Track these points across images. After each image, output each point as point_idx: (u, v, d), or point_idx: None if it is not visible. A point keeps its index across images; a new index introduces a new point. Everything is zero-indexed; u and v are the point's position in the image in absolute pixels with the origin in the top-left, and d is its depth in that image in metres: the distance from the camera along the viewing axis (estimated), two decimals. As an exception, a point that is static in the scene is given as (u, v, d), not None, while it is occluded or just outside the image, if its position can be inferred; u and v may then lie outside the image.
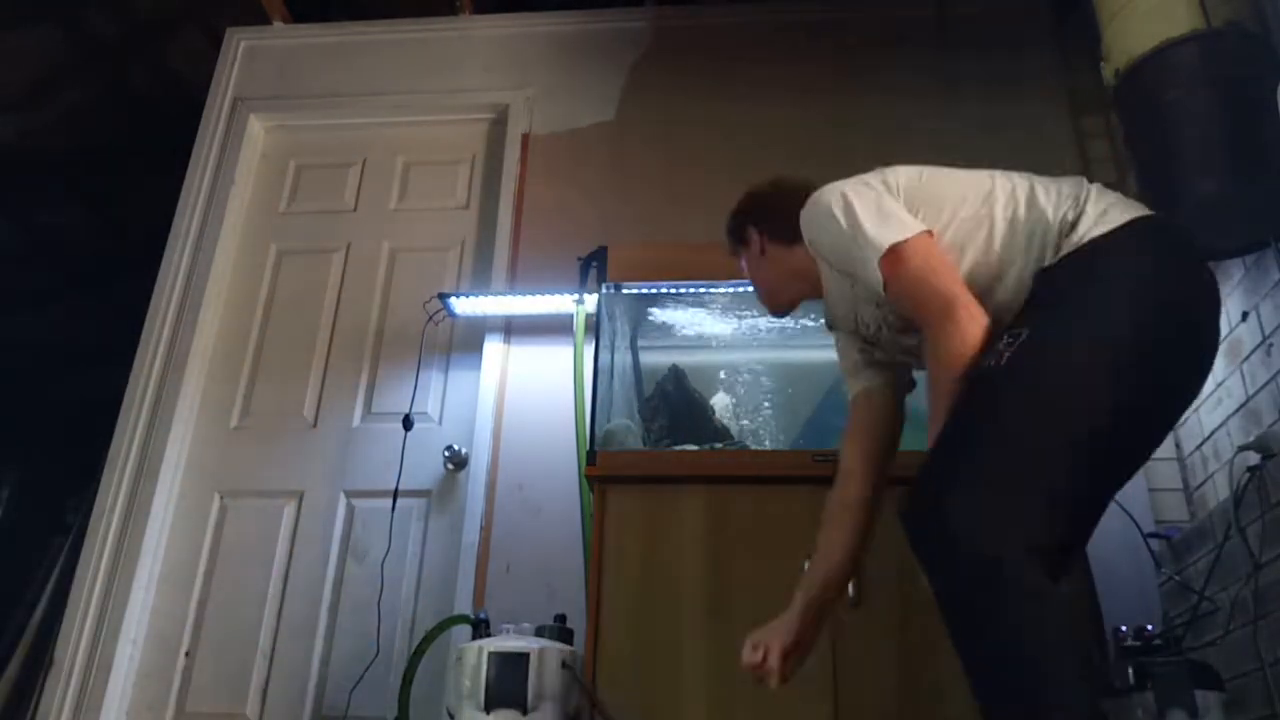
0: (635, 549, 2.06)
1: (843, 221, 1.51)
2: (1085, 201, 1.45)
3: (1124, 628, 1.87)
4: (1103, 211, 1.43)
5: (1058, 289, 1.39)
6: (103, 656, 2.62)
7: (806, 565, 1.64)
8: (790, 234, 1.69)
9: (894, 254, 1.44)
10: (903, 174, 1.57)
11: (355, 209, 3.26)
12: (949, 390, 1.36)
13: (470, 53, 3.41)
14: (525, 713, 1.90)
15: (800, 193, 1.65)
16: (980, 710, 1.20)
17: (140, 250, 3.34)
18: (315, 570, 2.73)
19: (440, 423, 2.88)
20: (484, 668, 1.92)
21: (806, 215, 1.61)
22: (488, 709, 1.90)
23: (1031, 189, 1.49)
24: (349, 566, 2.73)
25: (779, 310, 1.83)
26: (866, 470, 1.68)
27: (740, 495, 2.09)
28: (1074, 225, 1.43)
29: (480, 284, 3.03)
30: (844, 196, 1.53)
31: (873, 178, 1.57)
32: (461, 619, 2.31)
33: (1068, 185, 1.50)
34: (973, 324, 1.38)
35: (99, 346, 4.04)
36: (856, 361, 1.74)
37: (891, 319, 1.60)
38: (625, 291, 2.61)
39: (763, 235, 1.77)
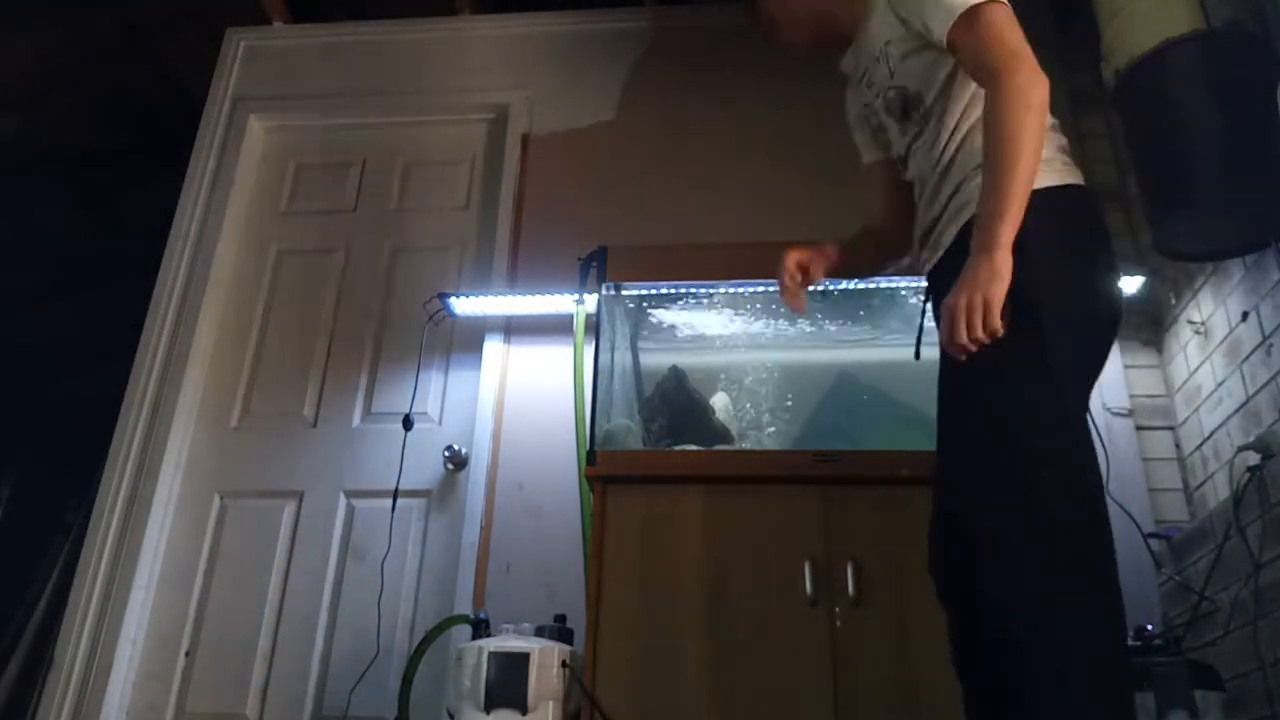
0: (635, 549, 2.06)
1: None
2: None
3: (1124, 628, 1.86)
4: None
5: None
6: (103, 656, 2.62)
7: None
8: None
9: (969, 16, 1.44)
10: None
11: (355, 209, 3.26)
12: (1020, 133, 1.37)
13: (470, 53, 3.41)
14: (525, 713, 1.90)
15: None
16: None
17: (140, 250, 3.34)
18: (315, 570, 2.73)
19: (440, 423, 2.88)
20: (484, 668, 1.92)
21: None
22: (488, 709, 1.90)
23: None
24: (349, 566, 2.73)
25: (800, 45, 1.79)
26: (893, 232, 1.75)
27: (740, 495, 2.08)
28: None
29: (480, 284, 3.03)
30: None
31: None
32: (461, 619, 2.31)
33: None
34: (1036, 84, 1.41)
35: (99, 346, 4.04)
36: (861, 133, 1.79)
37: (893, 94, 1.60)
38: (625, 292, 2.61)
39: None
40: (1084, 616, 1.28)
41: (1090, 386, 1.47)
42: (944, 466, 1.43)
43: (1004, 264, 1.32)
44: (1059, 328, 1.37)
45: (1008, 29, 1.45)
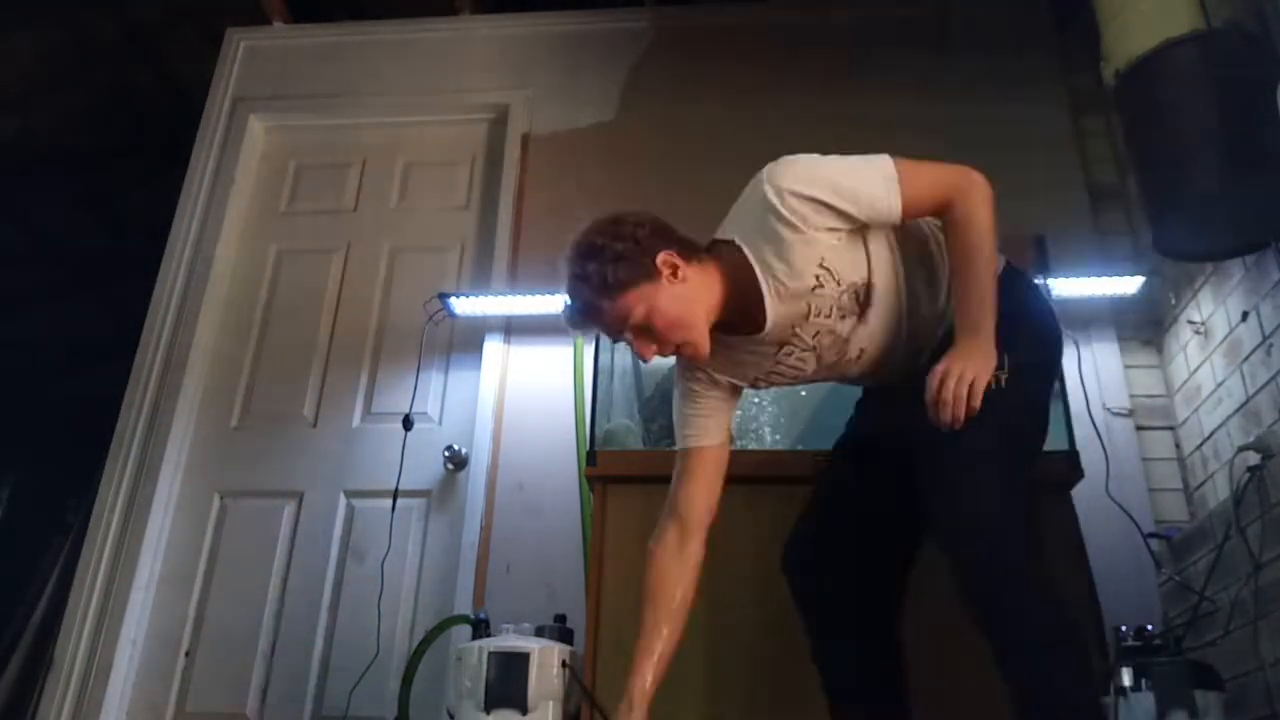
0: (635, 549, 2.05)
1: (832, 171, 1.56)
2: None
3: (1124, 628, 1.86)
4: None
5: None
6: (103, 656, 2.62)
7: (642, 680, 1.63)
8: (699, 250, 1.59)
9: (899, 189, 1.53)
10: None
11: (355, 209, 3.26)
12: (984, 243, 1.52)
13: (470, 53, 3.41)
14: (525, 713, 1.90)
15: (644, 222, 1.62)
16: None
17: (140, 250, 3.34)
18: (315, 570, 2.73)
19: (440, 423, 2.88)
20: (484, 668, 1.92)
21: (783, 184, 1.54)
22: (488, 709, 1.90)
23: None
24: (349, 566, 2.73)
25: (704, 349, 1.58)
26: (707, 524, 1.72)
27: (740, 495, 2.08)
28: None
29: (480, 284, 3.03)
30: (809, 160, 1.61)
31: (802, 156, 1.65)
32: (461, 619, 2.31)
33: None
34: (981, 186, 1.55)
35: (99, 346, 4.04)
36: (715, 416, 1.75)
37: (846, 300, 1.57)
38: (625, 291, 2.60)
39: (679, 252, 1.56)
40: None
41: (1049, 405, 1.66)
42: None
43: (991, 348, 1.48)
44: (1038, 385, 1.61)
45: (918, 170, 1.55)
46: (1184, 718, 1.67)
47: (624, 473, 2.14)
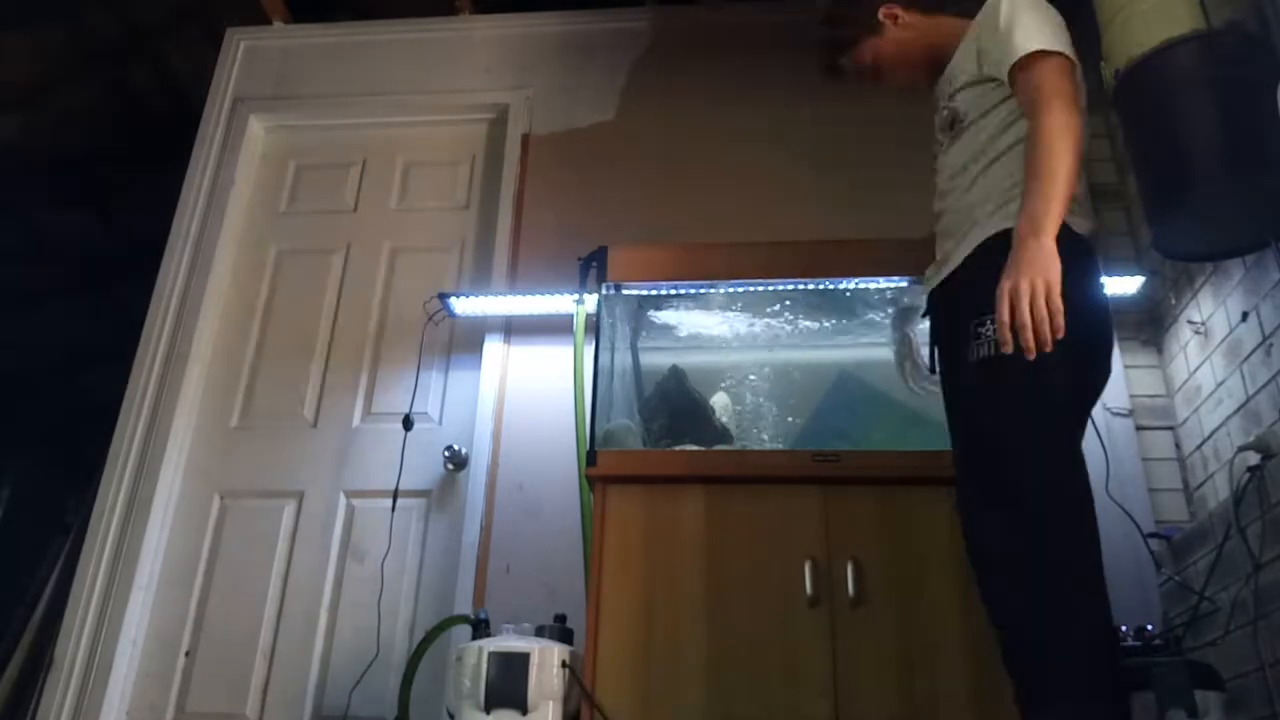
0: (635, 549, 2.06)
1: (1032, 13, 1.64)
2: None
3: (1124, 628, 1.86)
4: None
5: None
6: (103, 656, 2.62)
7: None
8: (930, 4, 1.83)
9: (1030, 59, 1.59)
10: None
11: (355, 209, 3.26)
12: (1060, 150, 1.48)
13: (470, 53, 3.41)
14: (525, 713, 1.90)
15: None
16: None
17: (140, 250, 3.34)
18: (315, 570, 2.73)
19: (440, 423, 2.88)
20: (484, 668, 1.92)
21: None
22: (488, 709, 1.90)
23: None
24: (349, 566, 2.73)
25: (920, 86, 1.87)
26: None
27: (740, 495, 2.08)
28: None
29: (480, 284, 3.03)
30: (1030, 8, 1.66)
31: None
32: (461, 619, 2.31)
33: None
34: (1074, 117, 1.53)
35: (99, 346, 4.04)
36: None
37: (945, 114, 1.74)
38: (625, 292, 2.60)
39: (900, 4, 1.85)
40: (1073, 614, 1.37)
41: (1088, 411, 1.59)
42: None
43: (1053, 249, 1.40)
44: (1063, 359, 1.43)
45: (1059, 77, 1.58)
46: (1184, 718, 1.67)
47: (624, 473, 2.14)
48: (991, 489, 1.43)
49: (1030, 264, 1.38)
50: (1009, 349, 1.36)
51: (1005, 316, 1.37)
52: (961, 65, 1.75)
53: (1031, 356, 1.35)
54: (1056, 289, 1.35)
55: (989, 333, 1.43)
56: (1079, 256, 1.53)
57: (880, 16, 1.86)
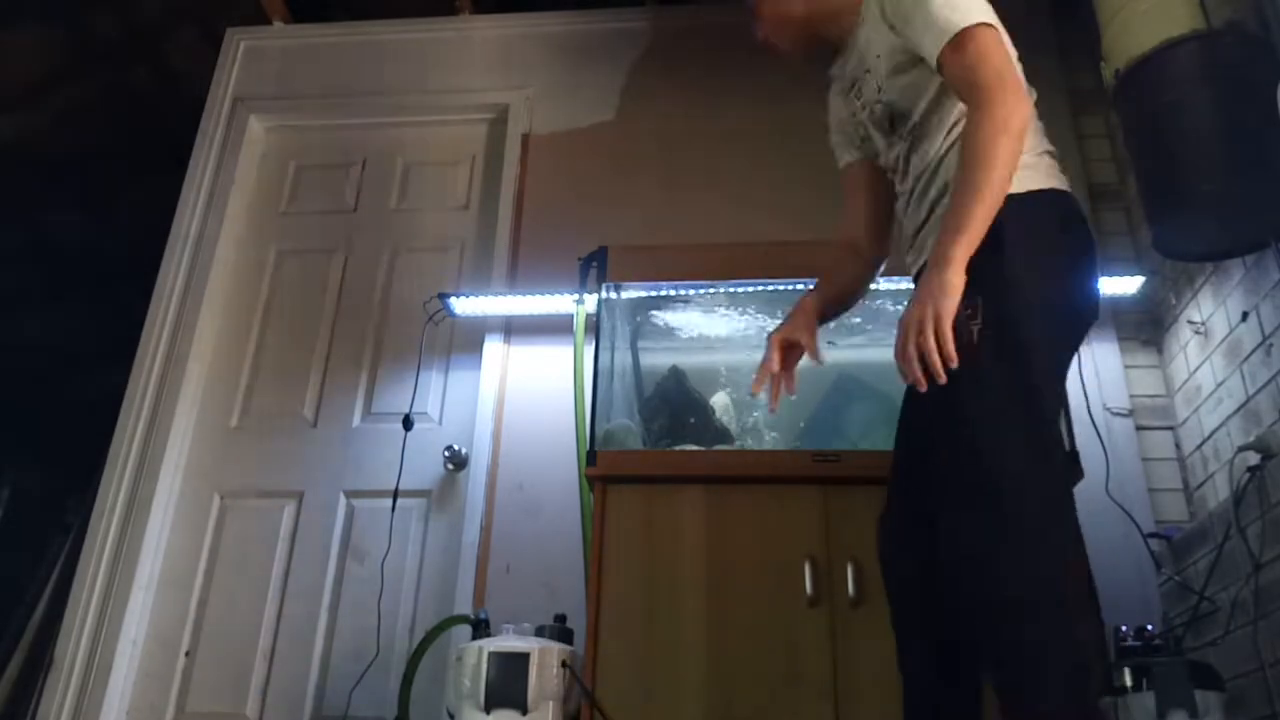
0: (635, 549, 2.06)
1: None
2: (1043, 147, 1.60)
3: (1124, 628, 1.87)
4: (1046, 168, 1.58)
5: None
6: (103, 656, 2.62)
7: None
8: None
9: (959, 38, 1.47)
10: None
11: (355, 209, 3.26)
12: (993, 158, 1.38)
13: (470, 53, 3.41)
14: (525, 713, 1.90)
15: None
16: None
17: (140, 250, 3.34)
18: (315, 570, 2.73)
19: (440, 423, 2.88)
20: (484, 668, 1.92)
21: None
22: (488, 709, 1.90)
23: None
24: (349, 566, 2.73)
25: (784, 47, 1.77)
26: (869, 247, 1.78)
27: (740, 495, 2.08)
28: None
29: (480, 284, 3.03)
30: None
31: None
32: (461, 619, 2.31)
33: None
34: (1017, 110, 1.41)
35: (99, 346, 4.04)
36: (843, 135, 1.81)
37: (879, 110, 1.63)
38: (625, 292, 2.60)
39: None
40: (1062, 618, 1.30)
41: (1064, 381, 1.50)
42: (927, 474, 1.46)
43: (956, 280, 1.34)
44: (1036, 334, 1.38)
45: (995, 52, 1.47)
46: (1184, 718, 1.67)
47: (624, 473, 2.14)
48: (970, 487, 1.34)
49: (925, 296, 1.34)
50: (908, 382, 1.35)
51: (896, 348, 1.35)
52: (873, 42, 1.61)
53: (922, 389, 1.33)
54: (946, 321, 1.31)
55: (962, 316, 1.35)
56: (1037, 220, 1.45)
57: None
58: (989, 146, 1.39)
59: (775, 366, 1.65)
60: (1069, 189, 1.54)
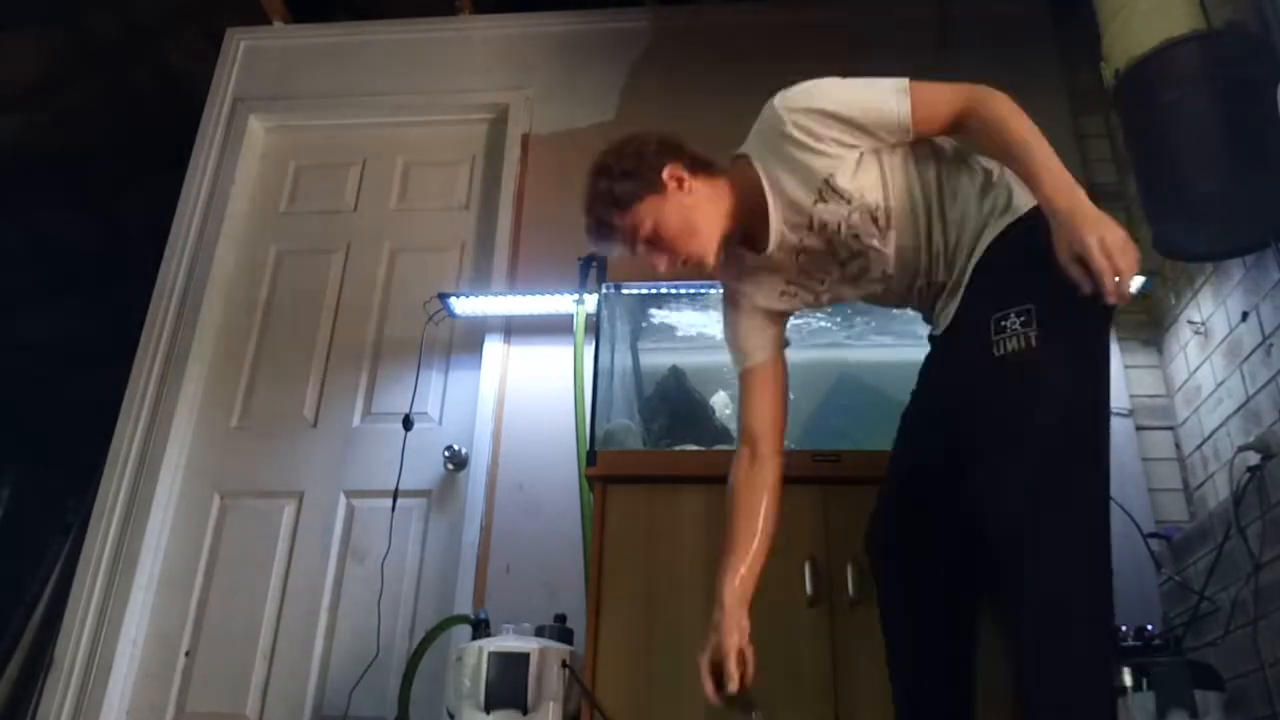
0: (635, 549, 2.06)
1: (841, 88, 1.53)
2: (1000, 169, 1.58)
3: (1124, 628, 1.87)
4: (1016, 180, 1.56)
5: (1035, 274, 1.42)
6: (103, 656, 2.62)
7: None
8: (707, 163, 1.64)
9: (911, 103, 1.50)
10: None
11: (355, 209, 3.26)
12: (1031, 136, 1.44)
13: (470, 53, 3.41)
14: (525, 713, 1.90)
15: (651, 139, 1.64)
16: None
17: (140, 250, 3.34)
18: (315, 570, 2.73)
19: (440, 423, 2.88)
20: (484, 668, 1.92)
21: (792, 100, 1.55)
22: (488, 709, 1.90)
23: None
24: (349, 566, 2.73)
25: (710, 258, 1.62)
26: (776, 445, 1.70)
27: (740, 495, 2.08)
28: (1010, 197, 1.53)
29: (480, 284, 3.03)
30: (820, 81, 1.56)
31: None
32: (461, 619, 2.31)
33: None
34: (999, 95, 1.48)
35: (99, 346, 4.04)
36: (757, 333, 1.73)
37: (856, 218, 1.55)
38: (625, 291, 2.60)
39: (685, 165, 1.61)
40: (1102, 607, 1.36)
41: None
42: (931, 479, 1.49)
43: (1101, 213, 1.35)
44: (1091, 340, 1.43)
45: (936, 85, 1.52)
46: (1184, 718, 1.67)
47: (624, 473, 2.14)
48: (1047, 484, 1.34)
49: (1098, 222, 1.32)
50: (1114, 299, 1.31)
51: (1102, 267, 1.29)
52: (821, 175, 1.54)
53: (1126, 302, 1.32)
54: (1131, 242, 1.31)
55: (1015, 325, 1.38)
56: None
57: (664, 177, 1.59)
58: (1010, 120, 1.45)
59: (715, 698, 1.56)
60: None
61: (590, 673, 1.95)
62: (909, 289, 1.63)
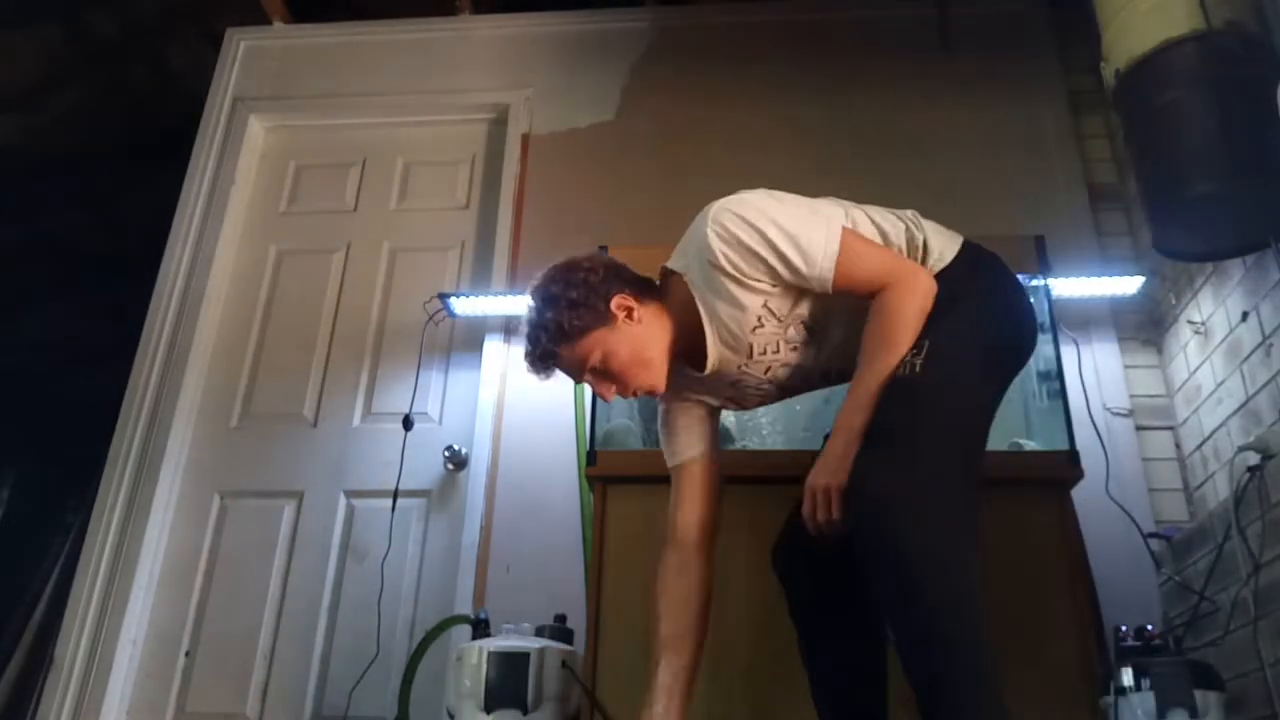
0: (635, 549, 2.06)
1: (773, 230, 1.49)
2: (920, 226, 1.63)
3: (1124, 627, 1.86)
4: (938, 234, 1.62)
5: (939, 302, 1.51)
6: (103, 656, 2.62)
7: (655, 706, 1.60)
8: (652, 289, 1.62)
9: (837, 263, 1.49)
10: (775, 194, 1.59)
11: (355, 209, 3.26)
12: (899, 345, 1.46)
13: (470, 53, 3.41)
14: (525, 713, 1.90)
15: (597, 267, 1.60)
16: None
17: (140, 250, 3.34)
18: (315, 570, 2.73)
19: (440, 423, 2.88)
20: (484, 668, 1.92)
21: (723, 231, 1.51)
22: (488, 709, 1.90)
23: (867, 213, 1.62)
24: (349, 566, 2.73)
25: (661, 387, 1.60)
26: (705, 547, 1.69)
27: (740, 495, 2.07)
28: (925, 246, 1.59)
29: (480, 284, 3.03)
30: (757, 207, 1.52)
31: (755, 196, 1.57)
32: (461, 619, 2.31)
33: (891, 212, 1.64)
34: (918, 280, 1.50)
35: (99, 346, 4.04)
36: (693, 427, 1.72)
37: (793, 331, 1.59)
38: (625, 291, 2.59)
39: (632, 293, 1.57)
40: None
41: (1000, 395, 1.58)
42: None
43: (849, 454, 1.40)
44: (963, 358, 1.48)
45: (865, 250, 1.52)
46: (1184, 718, 1.67)
47: (624, 473, 2.14)
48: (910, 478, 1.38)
49: (820, 469, 1.43)
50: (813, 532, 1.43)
51: (804, 510, 1.43)
52: (759, 301, 1.54)
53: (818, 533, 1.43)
54: (838, 493, 1.39)
55: (908, 357, 1.45)
56: (973, 269, 1.57)
57: (612, 308, 1.54)
58: (902, 319, 1.48)
59: None
60: (962, 238, 1.64)
61: (590, 673, 1.95)
62: (824, 375, 1.70)
